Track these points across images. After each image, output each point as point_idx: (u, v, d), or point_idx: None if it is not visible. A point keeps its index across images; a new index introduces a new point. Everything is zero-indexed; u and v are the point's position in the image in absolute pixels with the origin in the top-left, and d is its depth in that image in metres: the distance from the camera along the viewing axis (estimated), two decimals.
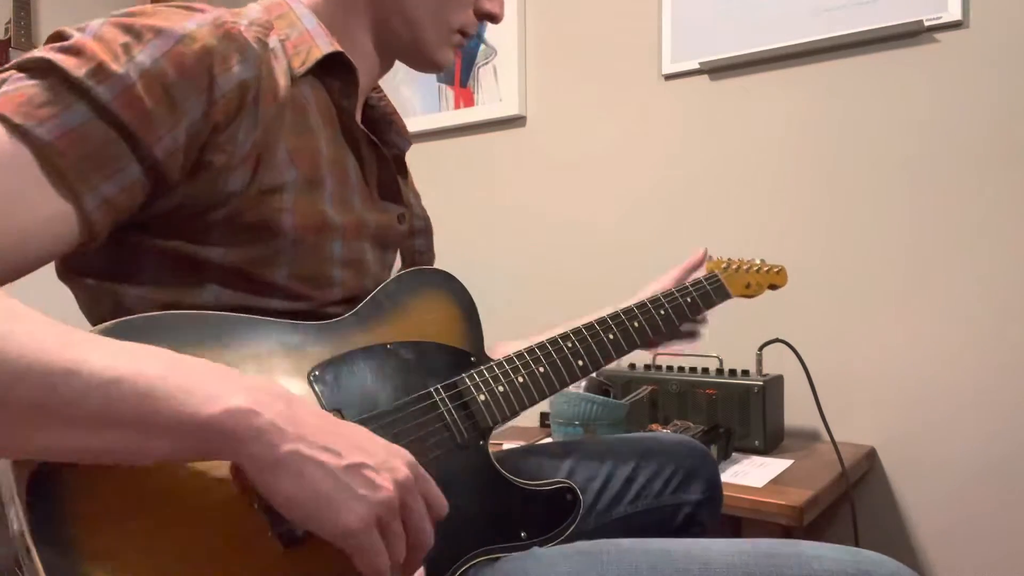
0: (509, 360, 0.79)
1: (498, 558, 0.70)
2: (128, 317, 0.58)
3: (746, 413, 1.38)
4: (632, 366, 1.57)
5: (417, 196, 0.91)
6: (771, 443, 1.41)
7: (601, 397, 1.32)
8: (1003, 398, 1.40)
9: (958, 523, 1.44)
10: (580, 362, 0.84)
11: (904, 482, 1.49)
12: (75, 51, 0.56)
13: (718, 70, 1.68)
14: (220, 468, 0.55)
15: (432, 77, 2.08)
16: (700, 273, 1.04)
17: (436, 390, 0.72)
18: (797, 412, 1.50)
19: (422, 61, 0.80)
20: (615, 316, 0.90)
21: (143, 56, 0.57)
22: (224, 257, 0.64)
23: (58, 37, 0.58)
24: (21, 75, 0.55)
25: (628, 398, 1.40)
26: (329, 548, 0.54)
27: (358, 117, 0.77)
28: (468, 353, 0.77)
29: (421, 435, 0.69)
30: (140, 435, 0.48)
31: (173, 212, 0.62)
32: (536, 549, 0.72)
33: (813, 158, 1.58)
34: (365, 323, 0.71)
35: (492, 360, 0.78)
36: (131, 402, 0.47)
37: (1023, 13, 1.38)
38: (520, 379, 0.78)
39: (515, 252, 1.94)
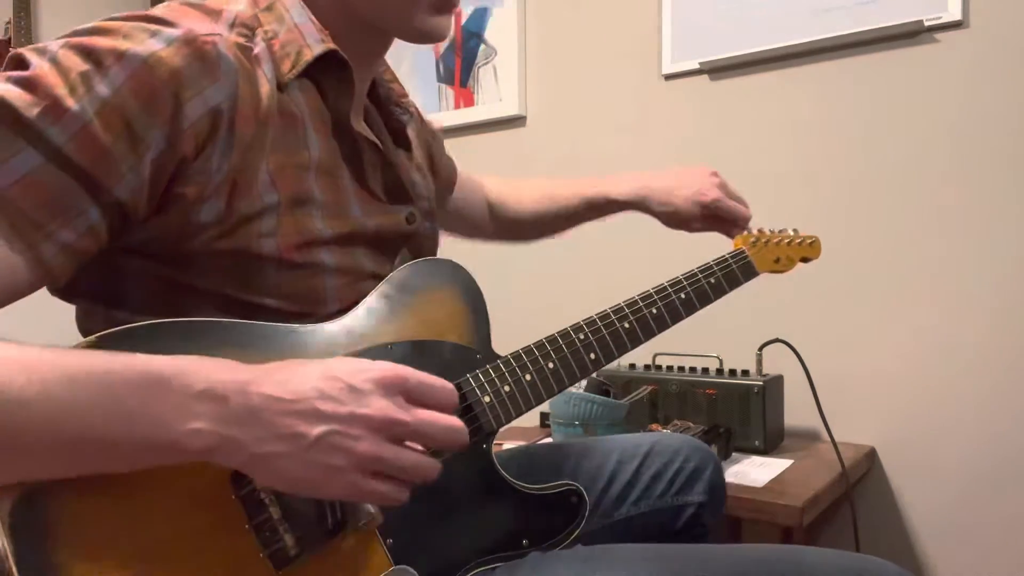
0: (517, 357, 0.74)
1: (496, 567, 0.69)
2: (130, 326, 0.56)
3: (746, 413, 1.38)
4: (632, 366, 1.57)
5: (421, 170, 0.85)
6: (771, 443, 1.41)
7: (601, 397, 1.32)
8: (1003, 398, 1.40)
9: (958, 523, 1.44)
10: (592, 355, 0.79)
11: (904, 482, 1.49)
12: (30, 85, 0.52)
13: (718, 70, 1.68)
14: (207, 492, 0.55)
15: (432, 77, 2.08)
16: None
17: None
18: (797, 412, 1.50)
19: (407, 35, 0.72)
20: (632, 303, 0.84)
21: (102, 87, 0.53)
22: (209, 284, 0.61)
23: (15, 63, 0.55)
24: None
25: (628, 398, 1.40)
26: (319, 566, 0.55)
27: (361, 110, 0.75)
28: (474, 351, 0.73)
29: None
30: (102, 459, 0.50)
31: (149, 242, 0.59)
32: (533, 555, 0.70)
33: (813, 158, 1.58)
34: (365, 321, 0.68)
35: (499, 358, 0.74)
36: (72, 434, 0.48)
37: (1023, 13, 1.38)
38: (528, 377, 0.74)
39: (514, 251, 1.94)
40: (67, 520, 0.50)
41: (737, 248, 0.97)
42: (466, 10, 2.03)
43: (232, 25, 0.62)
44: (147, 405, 0.49)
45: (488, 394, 0.71)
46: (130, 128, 0.54)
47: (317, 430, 0.51)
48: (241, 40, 0.61)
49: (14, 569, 0.48)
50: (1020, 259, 1.39)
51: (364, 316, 0.68)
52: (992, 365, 1.41)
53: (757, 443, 1.38)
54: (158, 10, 0.59)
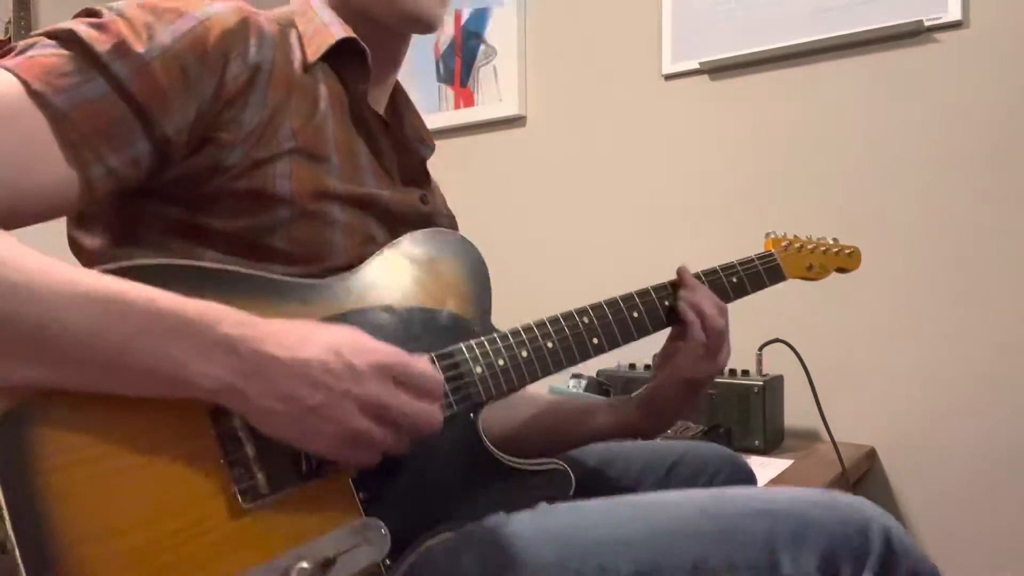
0: (515, 333, 0.74)
1: (471, 530, 0.66)
2: (142, 262, 0.59)
3: (746, 413, 1.38)
4: (632, 366, 1.57)
5: (443, 199, 0.90)
6: (771, 443, 1.41)
7: (601, 397, 1.32)
8: (1003, 398, 1.40)
9: (958, 523, 1.44)
10: (595, 340, 0.78)
11: (904, 482, 1.49)
12: (102, 27, 0.59)
13: (718, 70, 1.68)
14: (186, 425, 0.57)
15: (432, 77, 2.08)
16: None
17: (432, 359, 0.68)
18: (797, 412, 1.50)
19: (400, 18, 0.76)
20: (643, 293, 0.83)
21: (164, 36, 0.60)
22: (222, 224, 0.65)
23: (88, 13, 0.61)
24: (50, 43, 0.58)
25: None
26: (288, 508, 0.58)
27: (382, 107, 0.80)
28: (472, 322, 0.74)
29: None
30: (113, 380, 0.54)
31: (172, 182, 0.64)
32: (503, 516, 0.67)
33: (813, 158, 1.58)
34: (367, 282, 0.70)
35: (497, 332, 0.74)
36: (101, 355, 0.52)
37: (1023, 13, 1.38)
38: (524, 353, 0.74)
39: (515, 252, 1.94)
40: (48, 435, 0.52)
41: (767, 250, 0.94)
42: (466, 10, 2.03)
43: (272, 18, 0.71)
44: (168, 342, 0.53)
45: (481, 365, 0.71)
46: (185, 74, 0.61)
47: (314, 399, 0.56)
48: (280, 27, 0.71)
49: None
50: (1020, 258, 1.39)
51: (368, 276, 0.70)
52: (992, 365, 1.41)
53: (757, 443, 1.38)
54: None
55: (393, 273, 0.71)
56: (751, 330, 1.50)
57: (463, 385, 0.70)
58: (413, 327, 0.70)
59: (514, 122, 1.98)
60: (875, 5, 1.49)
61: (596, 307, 0.80)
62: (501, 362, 0.72)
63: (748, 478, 0.95)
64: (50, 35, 0.58)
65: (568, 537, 0.61)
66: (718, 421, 1.38)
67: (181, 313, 0.54)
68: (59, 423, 0.52)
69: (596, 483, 0.91)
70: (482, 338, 0.72)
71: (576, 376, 1.52)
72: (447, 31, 2.06)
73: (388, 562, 0.61)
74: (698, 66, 1.68)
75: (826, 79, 1.56)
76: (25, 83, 0.55)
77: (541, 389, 1.31)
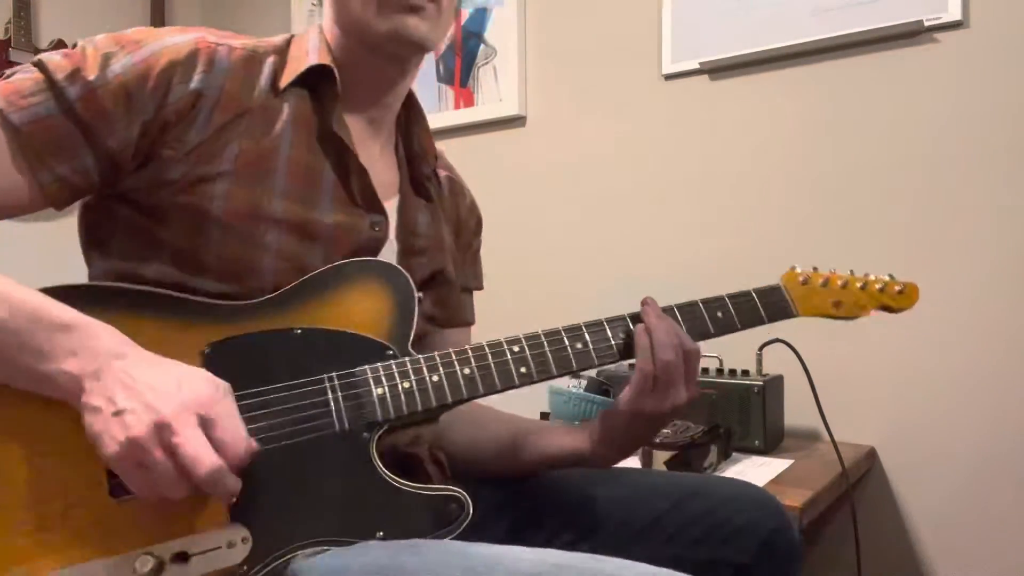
0: (430, 358, 0.74)
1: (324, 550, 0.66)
2: (72, 283, 0.68)
3: (746, 413, 1.38)
4: (632, 366, 1.57)
5: (438, 221, 0.90)
6: (771, 443, 1.41)
7: (600, 397, 1.32)
8: (1003, 398, 1.40)
9: (958, 523, 1.44)
10: (524, 369, 0.76)
11: (904, 482, 1.49)
12: (67, 56, 0.70)
13: (718, 70, 1.68)
14: (71, 420, 0.61)
15: (432, 77, 2.08)
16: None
17: (329, 377, 0.71)
18: (797, 412, 1.50)
19: (383, 41, 0.78)
20: (595, 324, 0.80)
21: (117, 65, 0.70)
22: (167, 235, 0.72)
23: (72, 46, 0.72)
24: (29, 69, 0.70)
25: None
26: (157, 506, 0.61)
27: (384, 127, 0.85)
28: (386, 346, 0.74)
29: (295, 416, 0.69)
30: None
31: (132, 191, 0.73)
32: (364, 545, 0.66)
33: (813, 158, 1.58)
34: (283, 307, 0.73)
35: (412, 356, 0.74)
36: None
37: (1023, 13, 1.38)
38: (435, 378, 0.73)
39: (514, 252, 1.94)
40: None
41: (779, 283, 0.88)
42: (466, 10, 2.03)
43: (244, 46, 0.78)
44: (52, 344, 0.61)
45: (383, 386, 0.72)
46: (129, 97, 0.70)
47: (125, 405, 0.59)
48: (247, 52, 0.77)
49: None
50: (1019, 258, 1.39)
51: (280, 300, 0.73)
52: (992, 365, 1.41)
53: (757, 443, 1.38)
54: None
55: (306, 298, 0.74)
56: (751, 330, 1.50)
57: (359, 404, 0.71)
58: (322, 349, 0.72)
59: (514, 122, 1.98)
60: (875, 5, 1.49)
61: (531, 336, 0.77)
62: (406, 384, 0.73)
63: (779, 523, 0.83)
64: (34, 63, 0.70)
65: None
66: (718, 421, 1.38)
67: (67, 321, 0.62)
68: None
69: (589, 499, 0.86)
70: (391, 361, 0.73)
71: (576, 376, 1.52)
72: None
73: (246, 568, 0.64)
74: (698, 66, 1.68)
75: (826, 79, 1.56)
76: None
77: (542, 392, 1.31)
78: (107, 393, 0.59)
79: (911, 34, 1.47)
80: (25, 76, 0.69)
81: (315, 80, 0.79)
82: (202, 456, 0.59)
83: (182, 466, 0.58)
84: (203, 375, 0.63)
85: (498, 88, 1.98)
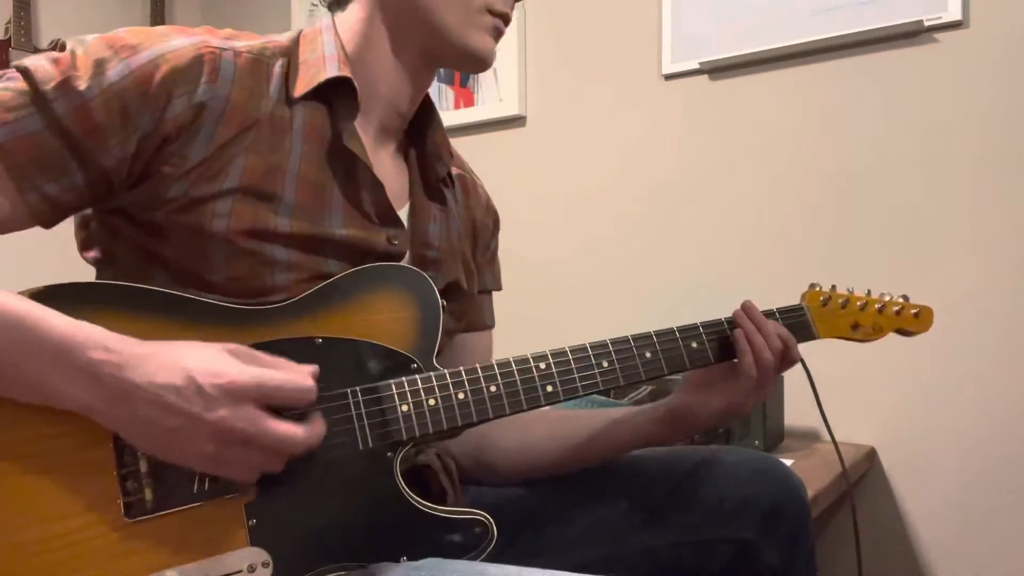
0: (456, 374, 0.70)
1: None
2: (58, 283, 0.62)
3: None
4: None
5: (449, 230, 0.86)
6: (771, 443, 1.41)
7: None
8: (1003, 398, 1.40)
9: (958, 523, 1.44)
10: (549, 387, 0.73)
11: (904, 482, 1.49)
12: (56, 62, 0.63)
13: (718, 70, 1.68)
14: (90, 432, 0.59)
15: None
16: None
17: (353, 392, 0.67)
18: (797, 412, 1.50)
19: (458, 55, 0.77)
20: (621, 342, 0.76)
21: (112, 73, 0.64)
22: (170, 252, 0.68)
23: (60, 48, 0.65)
24: (15, 75, 0.63)
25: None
26: (173, 528, 0.59)
27: (396, 133, 0.81)
28: (410, 359, 0.70)
29: None
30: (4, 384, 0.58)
31: (129, 206, 0.68)
32: (390, 566, 0.65)
33: (813, 158, 1.58)
34: (302, 314, 0.68)
35: (438, 372, 0.70)
36: None
37: (1023, 13, 1.38)
38: (461, 395, 0.70)
39: (514, 252, 1.94)
40: None
41: (800, 303, 0.86)
42: None
43: (249, 49, 0.71)
44: (29, 360, 0.57)
45: (408, 403, 0.68)
46: (125, 111, 0.64)
47: (170, 423, 0.56)
48: (253, 56, 0.71)
49: None
50: (1020, 259, 1.39)
51: (296, 308, 0.69)
52: (992, 365, 1.41)
53: (757, 443, 1.38)
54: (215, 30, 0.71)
55: (325, 306, 0.69)
56: None
57: (384, 422, 0.67)
58: (345, 360, 0.68)
59: (514, 122, 1.98)
60: (875, 5, 1.49)
61: (558, 353, 0.75)
62: (432, 401, 0.69)
63: (783, 486, 0.84)
64: (18, 67, 0.63)
65: None
66: None
67: (46, 334, 0.57)
68: None
69: (585, 482, 0.86)
70: (416, 376, 0.69)
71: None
72: None
73: None
74: (698, 66, 1.68)
75: (826, 79, 1.56)
76: None
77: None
78: (142, 414, 0.57)
79: (911, 34, 1.47)
80: (10, 85, 0.62)
81: (334, 89, 0.72)
82: (270, 440, 0.58)
83: (272, 447, 0.58)
84: (211, 355, 0.59)
85: (498, 88, 1.98)
